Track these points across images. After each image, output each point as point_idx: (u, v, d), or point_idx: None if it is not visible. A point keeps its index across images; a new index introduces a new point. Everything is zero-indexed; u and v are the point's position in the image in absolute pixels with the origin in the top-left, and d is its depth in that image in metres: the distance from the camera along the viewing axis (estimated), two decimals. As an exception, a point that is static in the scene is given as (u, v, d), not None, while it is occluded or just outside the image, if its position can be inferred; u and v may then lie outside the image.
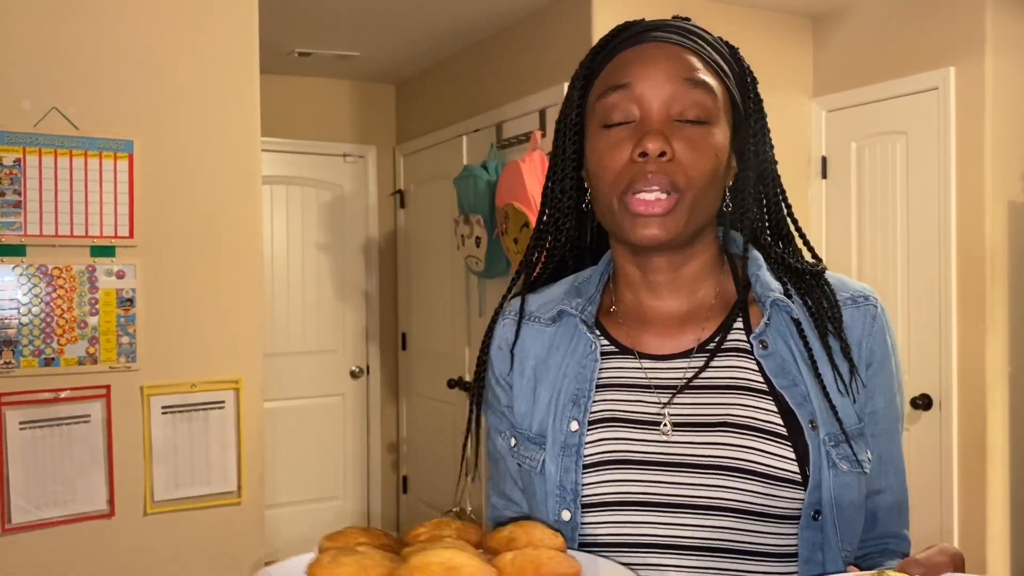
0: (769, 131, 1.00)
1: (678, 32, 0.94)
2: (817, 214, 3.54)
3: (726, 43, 0.99)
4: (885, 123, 3.30)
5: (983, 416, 2.99)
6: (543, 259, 1.07)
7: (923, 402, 3.12)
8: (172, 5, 2.31)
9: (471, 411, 1.08)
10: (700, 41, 0.94)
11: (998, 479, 3.01)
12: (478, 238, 3.61)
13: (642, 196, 0.89)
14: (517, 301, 1.07)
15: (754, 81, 0.99)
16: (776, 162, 1.01)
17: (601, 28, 3.13)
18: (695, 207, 0.90)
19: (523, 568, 0.77)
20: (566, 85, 3.26)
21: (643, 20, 0.97)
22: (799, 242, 1.04)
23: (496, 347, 1.07)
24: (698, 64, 0.92)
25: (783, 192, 1.02)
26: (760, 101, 0.98)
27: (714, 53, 0.95)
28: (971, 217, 3.00)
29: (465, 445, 1.06)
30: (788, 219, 1.02)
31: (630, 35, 0.95)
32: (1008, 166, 3.02)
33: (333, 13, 3.53)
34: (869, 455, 0.93)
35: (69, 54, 2.19)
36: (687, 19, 0.98)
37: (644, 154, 0.88)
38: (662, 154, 0.88)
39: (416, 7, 3.46)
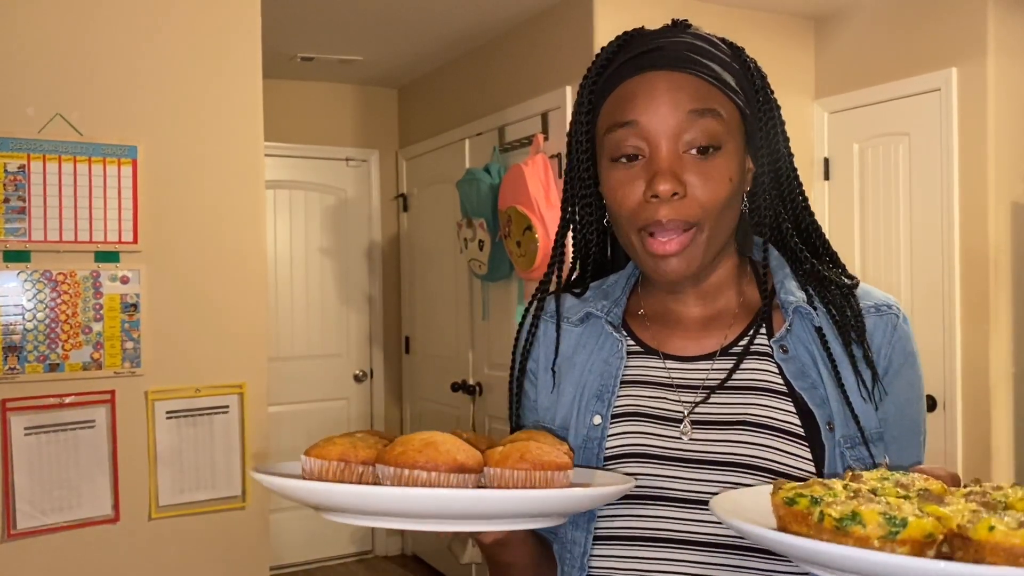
0: (783, 123, 0.99)
1: (677, 55, 0.93)
2: (820, 216, 3.54)
3: (728, 45, 0.98)
4: (887, 124, 3.30)
5: (987, 417, 2.99)
6: (575, 266, 1.09)
7: (927, 403, 3.11)
8: (175, 11, 2.32)
9: (511, 409, 1.09)
10: (700, 57, 0.93)
11: (1003, 479, 3.00)
12: (481, 241, 3.61)
13: (659, 237, 0.91)
14: (551, 301, 1.08)
15: (762, 79, 0.98)
16: (792, 154, 1.00)
17: (602, 32, 3.13)
18: (713, 236, 0.92)
19: (507, 455, 0.78)
20: (568, 89, 3.29)
21: (642, 32, 0.97)
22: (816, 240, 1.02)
23: (526, 344, 1.08)
24: (702, 89, 0.92)
25: (800, 186, 1.01)
26: (769, 99, 0.98)
27: (716, 66, 0.93)
28: (974, 218, 3.00)
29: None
30: (804, 212, 1.01)
31: (631, 57, 0.95)
32: (1011, 167, 3.02)
33: (336, 18, 3.54)
34: (887, 460, 0.93)
35: (73, 60, 2.20)
36: (685, 25, 0.97)
37: (656, 196, 0.89)
38: (674, 194, 0.89)
39: (418, 11, 3.47)
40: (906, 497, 0.69)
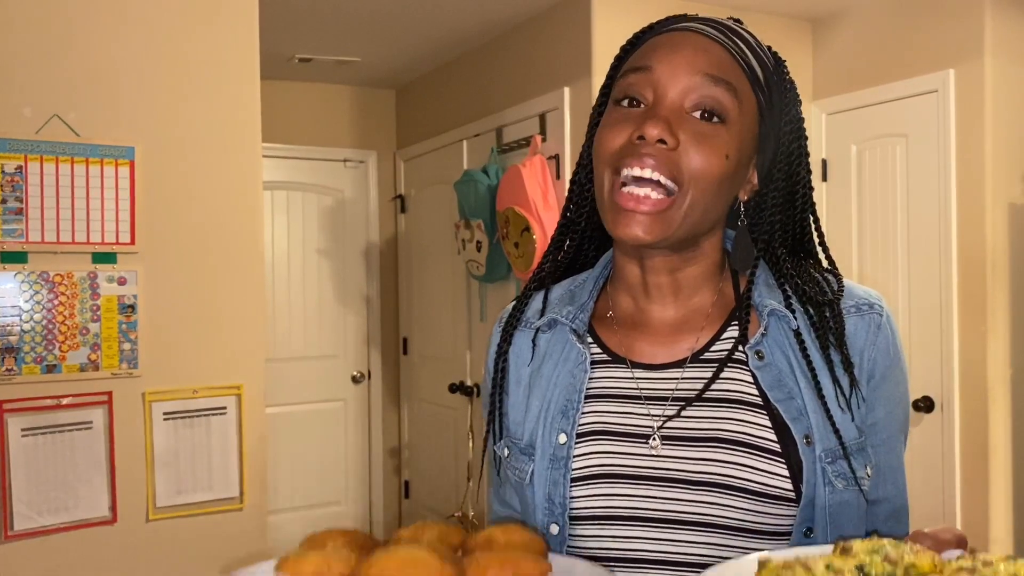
0: (807, 155, 0.95)
1: (717, 28, 0.90)
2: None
3: (774, 54, 0.94)
4: (885, 126, 3.30)
5: (985, 418, 2.99)
6: (563, 253, 1.04)
7: (925, 404, 3.12)
8: (172, 12, 2.31)
9: (488, 423, 1.04)
10: (740, 42, 0.90)
11: (1000, 481, 3.01)
12: (479, 242, 3.61)
13: (631, 190, 0.85)
14: (531, 299, 1.03)
15: (796, 99, 0.94)
16: (812, 188, 0.96)
17: (601, 32, 3.14)
18: (693, 209, 0.86)
19: (486, 566, 0.77)
20: (567, 90, 3.29)
21: (687, 14, 0.94)
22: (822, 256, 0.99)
23: (494, 354, 1.04)
24: (727, 62, 0.88)
25: (817, 220, 0.96)
26: (799, 121, 0.94)
27: (752, 58, 0.90)
28: (971, 219, 3.00)
29: (484, 453, 1.03)
30: (820, 248, 0.96)
31: (668, 23, 0.92)
32: (1008, 168, 3.02)
33: (333, 19, 3.54)
34: (869, 471, 0.90)
35: (70, 61, 2.19)
36: (738, 20, 0.94)
37: (642, 137, 0.85)
38: (662, 141, 0.84)
39: (416, 12, 3.47)
40: (892, 575, 0.66)
